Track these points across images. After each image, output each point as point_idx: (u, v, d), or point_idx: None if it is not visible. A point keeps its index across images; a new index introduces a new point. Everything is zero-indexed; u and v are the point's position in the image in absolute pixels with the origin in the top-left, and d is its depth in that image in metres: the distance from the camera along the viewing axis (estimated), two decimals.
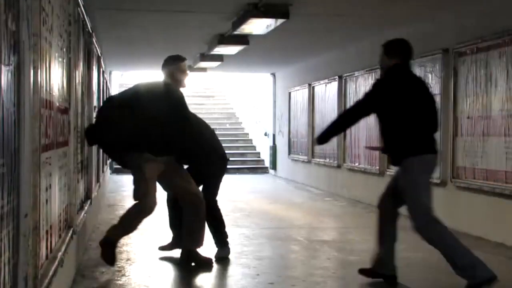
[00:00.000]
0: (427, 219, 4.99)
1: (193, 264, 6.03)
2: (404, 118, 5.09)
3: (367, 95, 5.34)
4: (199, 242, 6.04)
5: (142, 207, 5.78)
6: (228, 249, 6.50)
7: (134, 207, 5.84)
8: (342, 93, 12.60)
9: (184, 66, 6.05)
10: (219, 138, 6.71)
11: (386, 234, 5.41)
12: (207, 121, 6.82)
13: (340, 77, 12.66)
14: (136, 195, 5.82)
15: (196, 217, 5.99)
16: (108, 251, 5.79)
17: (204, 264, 6.02)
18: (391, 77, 5.26)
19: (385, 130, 5.25)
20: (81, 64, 5.99)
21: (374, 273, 5.48)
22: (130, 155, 5.73)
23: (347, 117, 5.51)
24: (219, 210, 6.53)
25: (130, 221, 5.86)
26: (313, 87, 14.57)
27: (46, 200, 3.58)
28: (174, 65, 5.99)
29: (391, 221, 5.39)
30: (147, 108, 5.65)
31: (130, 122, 5.61)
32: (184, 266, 6.02)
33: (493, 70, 7.45)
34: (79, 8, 5.60)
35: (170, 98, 5.78)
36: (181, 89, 5.98)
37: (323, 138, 5.53)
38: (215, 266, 6.06)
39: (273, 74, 18.40)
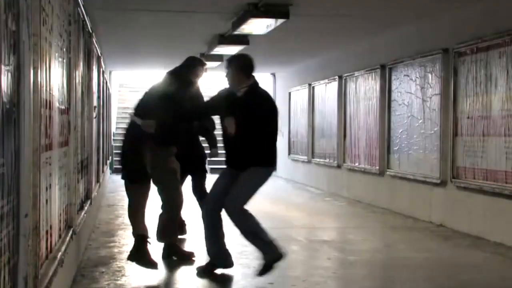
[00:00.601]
0: (241, 210, 5.54)
1: (174, 258, 6.25)
2: (265, 133, 5.55)
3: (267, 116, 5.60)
4: (174, 235, 6.35)
5: (178, 200, 6.13)
6: None
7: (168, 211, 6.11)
8: (342, 93, 12.59)
9: (198, 71, 6.42)
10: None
11: (222, 233, 5.76)
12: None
13: (340, 77, 12.67)
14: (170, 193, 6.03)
15: (170, 212, 6.21)
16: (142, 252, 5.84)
17: (186, 258, 6.24)
18: (263, 93, 5.73)
19: (243, 140, 5.49)
20: (81, 64, 6.00)
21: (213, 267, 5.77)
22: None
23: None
24: None
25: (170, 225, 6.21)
26: (313, 87, 14.57)
27: (46, 200, 3.58)
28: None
29: (220, 220, 5.74)
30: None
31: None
32: (166, 261, 6.21)
33: (493, 70, 7.44)
34: (79, 8, 5.61)
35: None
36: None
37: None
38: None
39: (273, 74, 18.40)
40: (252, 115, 5.46)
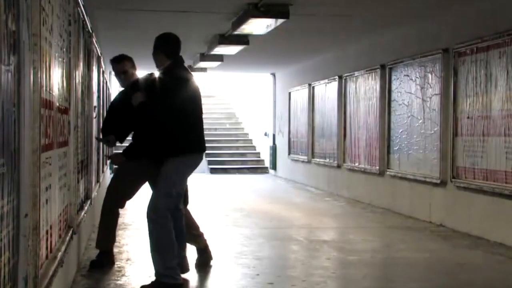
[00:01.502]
0: (162, 214, 5.10)
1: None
2: (182, 117, 5.13)
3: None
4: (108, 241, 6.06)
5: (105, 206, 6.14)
6: None
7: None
8: (342, 93, 12.60)
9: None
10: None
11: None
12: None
13: (340, 77, 12.67)
14: None
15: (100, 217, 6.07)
16: None
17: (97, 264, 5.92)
18: (180, 73, 5.24)
19: (159, 125, 5.17)
20: (81, 64, 6.00)
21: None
22: None
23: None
24: None
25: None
26: (313, 87, 14.58)
27: (46, 200, 3.58)
28: None
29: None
30: None
31: None
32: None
33: (493, 70, 7.45)
34: (79, 8, 5.60)
35: None
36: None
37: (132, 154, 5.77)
38: (214, 266, 6.06)
39: (273, 74, 18.40)
40: (166, 97, 5.04)
